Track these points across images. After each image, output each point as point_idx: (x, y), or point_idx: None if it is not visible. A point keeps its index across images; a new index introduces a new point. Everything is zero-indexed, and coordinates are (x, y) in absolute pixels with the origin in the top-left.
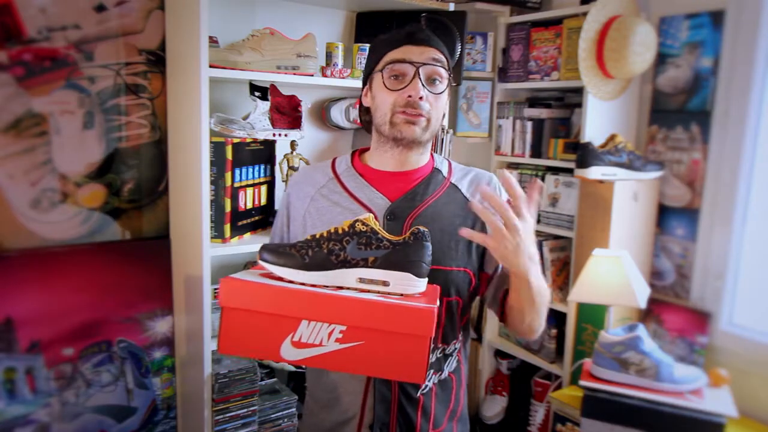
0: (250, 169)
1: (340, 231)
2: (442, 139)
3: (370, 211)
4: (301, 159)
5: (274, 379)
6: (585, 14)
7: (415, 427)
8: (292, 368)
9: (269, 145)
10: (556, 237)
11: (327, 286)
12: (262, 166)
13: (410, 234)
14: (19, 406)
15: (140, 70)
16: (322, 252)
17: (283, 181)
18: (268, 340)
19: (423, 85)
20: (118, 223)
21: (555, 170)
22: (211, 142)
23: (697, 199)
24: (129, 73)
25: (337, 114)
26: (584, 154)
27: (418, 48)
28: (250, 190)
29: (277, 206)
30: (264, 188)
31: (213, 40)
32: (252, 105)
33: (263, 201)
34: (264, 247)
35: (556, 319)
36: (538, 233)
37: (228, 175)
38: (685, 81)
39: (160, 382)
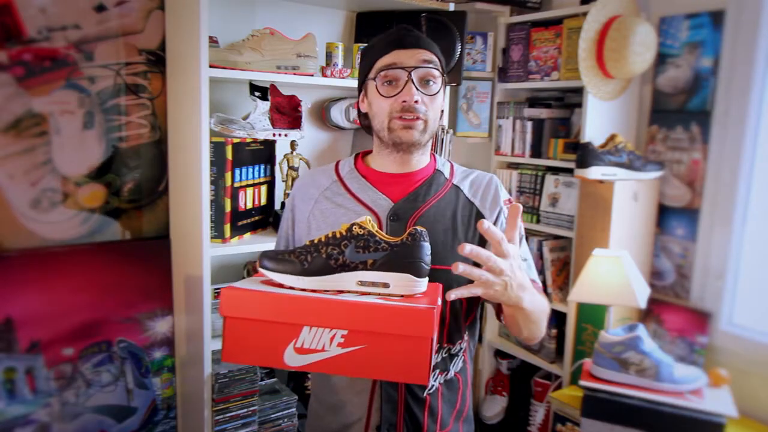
0: (250, 169)
1: (337, 235)
2: (442, 139)
3: (374, 212)
4: (301, 159)
5: (274, 379)
6: (585, 14)
7: (422, 427)
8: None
9: (269, 145)
10: (556, 237)
11: (328, 291)
12: (262, 166)
13: (408, 235)
14: (19, 406)
15: (140, 70)
16: (321, 257)
17: (282, 181)
18: (271, 348)
19: (417, 88)
20: (118, 223)
21: (555, 170)
22: (211, 142)
23: (697, 199)
24: (129, 73)
25: (337, 114)
26: (584, 154)
27: (407, 51)
28: (250, 190)
29: (277, 206)
30: (264, 188)
31: (213, 40)
32: (252, 105)
33: (263, 201)
34: (264, 255)
35: (556, 319)
36: (539, 233)
37: (228, 175)
38: (685, 81)
39: (160, 382)
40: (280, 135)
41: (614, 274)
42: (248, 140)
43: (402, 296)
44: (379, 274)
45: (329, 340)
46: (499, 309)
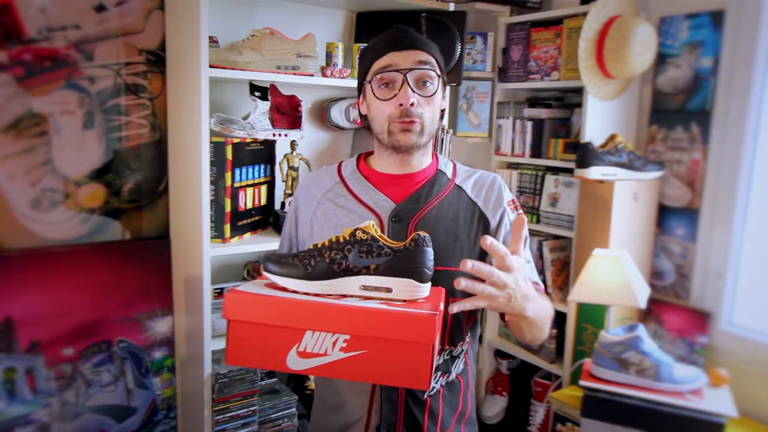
0: (250, 169)
1: (341, 240)
2: (442, 139)
3: (375, 213)
4: (301, 159)
5: (274, 379)
6: (585, 14)
7: (422, 429)
8: None
9: (269, 145)
10: (556, 237)
11: (331, 295)
12: (262, 166)
13: (411, 240)
14: (19, 406)
15: (140, 70)
16: (325, 261)
17: (282, 181)
18: (274, 351)
19: (413, 90)
20: (118, 223)
21: (555, 170)
22: (211, 142)
23: (697, 199)
24: (129, 73)
25: (337, 114)
26: (584, 154)
27: (403, 53)
28: (250, 190)
29: (277, 206)
30: (264, 188)
31: (213, 40)
32: (252, 105)
33: (263, 201)
34: (267, 258)
35: (557, 319)
36: (539, 233)
37: (228, 175)
38: (685, 81)
39: (160, 382)
40: (280, 135)
41: (614, 274)
42: (248, 140)
43: (404, 301)
44: (382, 279)
45: (332, 344)
46: (503, 313)
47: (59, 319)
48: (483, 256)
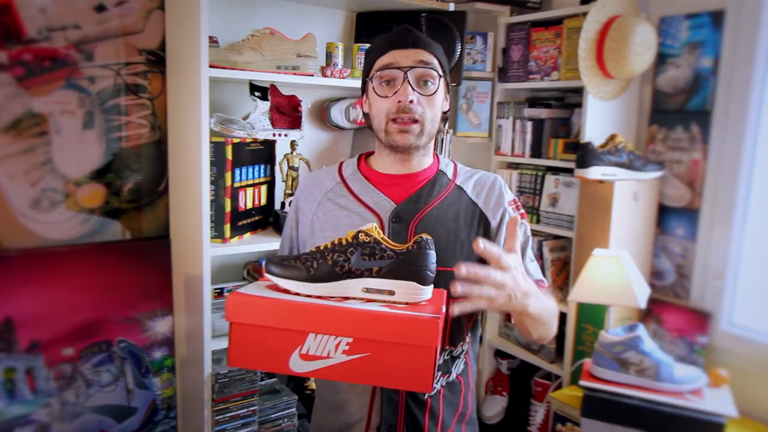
0: (250, 169)
1: (344, 242)
2: (442, 139)
3: (376, 214)
4: (301, 159)
5: (274, 379)
6: (585, 14)
7: (423, 429)
8: None
9: (269, 145)
10: (556, 237)
11: (333, 297)
12: (262, 166)
13: (413, 242)
14: (19, 406)
15: (140, 70)
16: (327, 263)
17: (282, 181)
18: (276, 354)
19: (413, 88)
20: (118, 223)
21: (555, 170)
22: (211, 142)
23: (697, 199)
24: (129, 73)
25: (337, 114)
26: (584, 154)
27: (405, 51)
28: (250, 190)
29: (277, 206)
30: (264, 188)
31: (213, 40)
32: (252, 105)
33: (263, 201)
34: (270, 260)
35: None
36: (539, 233)
37: (228, 175)
38: (685, 81)
39: (160, 382)
40: (280, 135)
41: (614, 274)
42: (248, 140)
43: (407, 304)
44: (385, 282)
45: (334, 347)
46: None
47: (59, 319)
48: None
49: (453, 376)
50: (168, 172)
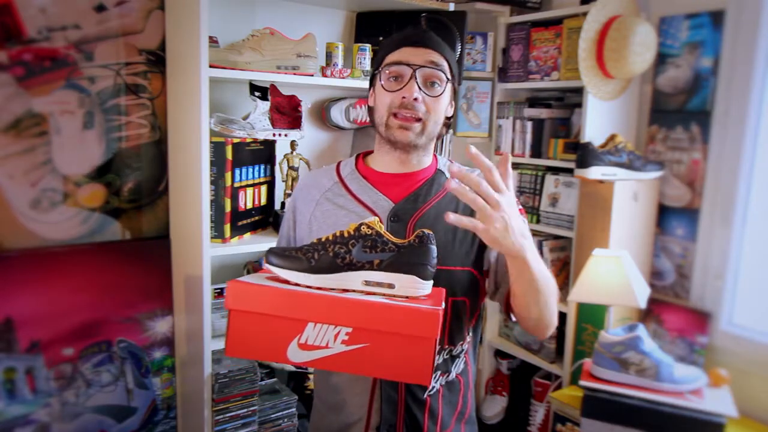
0: (250, 169)
1: (345, 234)
2: (442, 140)
3: (374, 213)
4: (301, 159)
5: (274, 379)
6: (585, 14)
7: (422, 428)
8: (293, 368)
9: (269, 145)
10: (556, 237)
11: (333, 289)
12: (262, 166)
13: (415, 237)
14: (19, 406)
15: (140, 70)
16: (328, 255)
17: (282, 181)
18: (275, 343)
19: (420, 87)
20: (118, 223)
21: (555, 170)
22: (211, 142)
23: (697, 199)
24: (129, 73)
25: (337, 114)
26: (584, 154)
27: (417, 50)
28: (250, 190)
29: (277, 206)
30: (264, 188)
31: (213, 40)
32: (252, 105)
33: (263, 201)
34: (270, 251)
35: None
36: (539, 233)
37: (228, 175)
38: (685, 81)
39: (160, 382)
40: (280, 135)
41: (614, 274)
42: (248, 140)
43: (407, 297)
44: (385, 275)
45: (333, 337)
46: (508, 301)
47: (59, 319)
48: (480, 256)
49: (452, 375)
50: (168, 172)
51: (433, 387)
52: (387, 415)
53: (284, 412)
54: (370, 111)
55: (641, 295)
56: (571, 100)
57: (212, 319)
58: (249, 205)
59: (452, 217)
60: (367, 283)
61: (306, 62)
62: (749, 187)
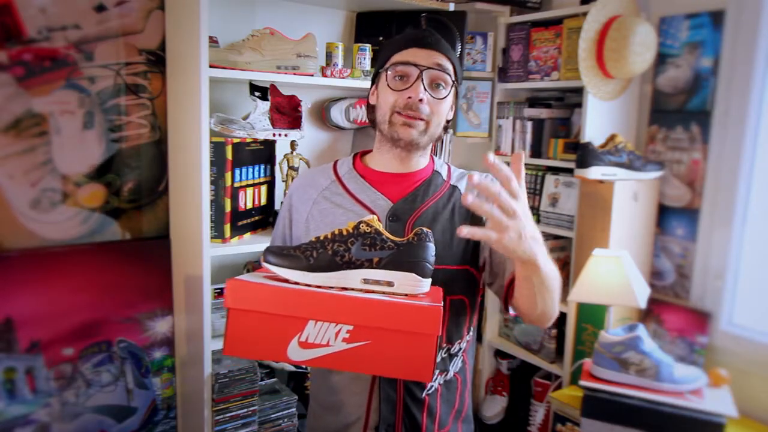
0: (250, 169)
1: (344, 232)
2: (442, 140)
3: (373, 212)
4: (301, 159)
5: (274, 379)
6: (585, 14)
7: (421, 427)
8: (293, 368)
9: (269, 145)
10: (556, 237)
11: (332, 288)
12: (262, 166)
13: (414, 235)
14: (19, 406)
15: (140, 70)
16: (327, 253)
17: (282, 181)
18: (275, 341)
19: (425, 88)
20: (118, 223)
21: (555, 170)
22: (211, 142)
23: (697, 199)
24: (129, 73)
25: (337, 114)
26: (584, 154)
27: (425, 51)
28: (250, 190)
29: (277, 206)
30: (264, 188)
31: (213, 40)
32: (252, 105)
33: (263, 201)
34: (268, 250)
35: (557, 318)
36: None
37: (228, 175)
38: (685, 81)
39: (160, 382)
40: (280, 135)
41: (614, 274)
42: (248, 140)
43: (405, 295)
44: (384, 273)
45: (334, 335)
46: (507, 294)
47: (59, 319)
48: (477, 253)
49: (450, 374)
50: (168, 172)
51: (432, 386)
52: (385, 414)
53: (284, 412)
54: (371, 109)
55: (641, 295)
56: (571, 100)
57: (212, 319)
58: (249, 205)
59: (466, 231)
60: (366, 281)
61: (306, 62)
62: (749, 187)
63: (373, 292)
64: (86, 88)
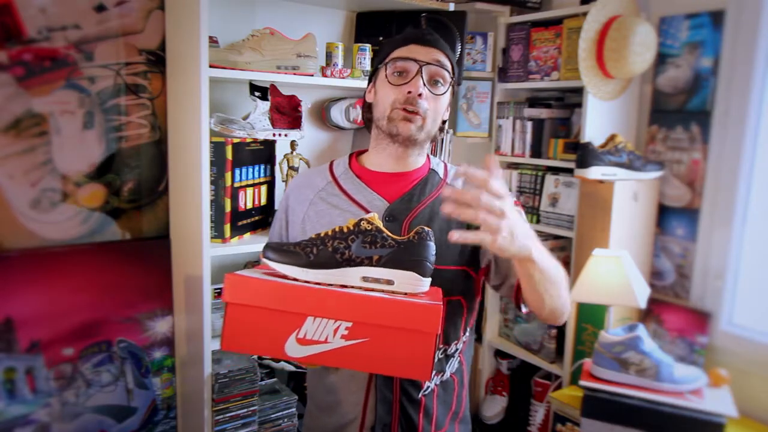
0: (250, 169)
1: (345, 230)
2: (442, 139)
3: (369, 213)
4: (301, 159)
5: (274, 379)
6: (585, 14)
7: (417, 428)
8: (292, 368)
9: (269, 145)
10: (556, 237)
11: (331, 285)
12: (262, 166)
13: (414, 233)
14: (19, 406)
15: (140, 70)
16: (327, 250)
17: (283, 181)
18: (272, 337)
19: (424, 84)
20: (118, 223)
21: (555, 170)
22: (211, 142)
23: (697, 199)
24: (129, 73)
25: (337, 114)
26: (584, 154)
27: (424, 48)
28: (250, 190)
29: (276, 206)
30: (264, 188)
31: (213, 40)
32: (252, 105)
33: (263, 201)
34: (267, 246)
35: None
36: (539, 233)
37: (228, 175)
38: (685, 81)
39: (160, 382)
40: (280, 135)
41: (614, 274)
42: (248, 140)
43: (405, 294)
44: (384, 271)
45: (333, 332)
46: (518, 293)
47: (59, 319)
48: (475, 254)
49: (447, 374)
50: (168, 172)
51: (428, 386)
52: (382, 414)
53: (284, 412)
54: (367, 108)
55: (641, 295)
56: (571, 100)
57: (212, 319)
58: (249, 205)
59: (456, 236)
60: (366, 279)
61: (306, 62)
62: (749, 187)
63: (372, 290)
64: (86, 88)
